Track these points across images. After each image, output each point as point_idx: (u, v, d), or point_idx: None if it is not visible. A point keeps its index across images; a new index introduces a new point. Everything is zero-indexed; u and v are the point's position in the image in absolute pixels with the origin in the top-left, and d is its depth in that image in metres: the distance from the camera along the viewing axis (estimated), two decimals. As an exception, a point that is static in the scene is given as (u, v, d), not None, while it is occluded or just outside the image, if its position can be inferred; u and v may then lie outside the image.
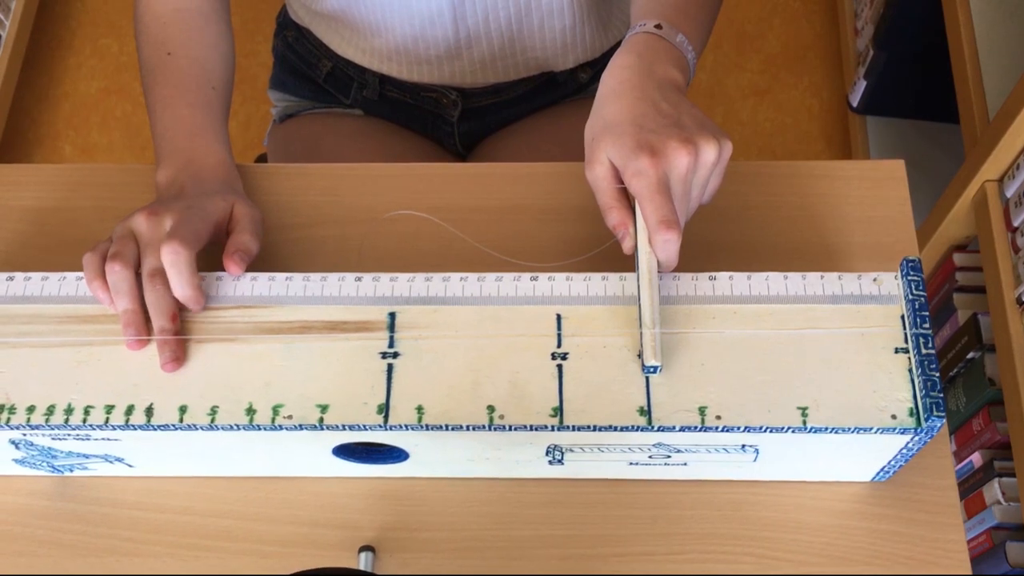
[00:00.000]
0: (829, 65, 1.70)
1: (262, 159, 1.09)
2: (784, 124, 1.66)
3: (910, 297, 0.55)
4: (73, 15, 1.81)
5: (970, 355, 1.04)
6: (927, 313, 0.54)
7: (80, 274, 0.58)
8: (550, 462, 0.58)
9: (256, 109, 1.68)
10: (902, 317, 0.55)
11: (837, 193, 0.70)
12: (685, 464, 0.58)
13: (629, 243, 0.58)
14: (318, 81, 0.94)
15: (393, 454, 0.58)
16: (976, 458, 1.03)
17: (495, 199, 0.71)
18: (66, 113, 1.72)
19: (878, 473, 0.59)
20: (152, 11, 0.74)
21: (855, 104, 1.46)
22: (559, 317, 0.56)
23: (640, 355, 0.54)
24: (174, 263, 0.56)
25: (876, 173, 0.71)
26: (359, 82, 0.92)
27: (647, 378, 0.54)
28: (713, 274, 0.57)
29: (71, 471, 0.61)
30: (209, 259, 0.61)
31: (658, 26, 0.62)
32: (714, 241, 0.68)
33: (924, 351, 0.53)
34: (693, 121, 0.58)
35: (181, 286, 0.56)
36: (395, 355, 0.55)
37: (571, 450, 0.56)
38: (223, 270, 0.59)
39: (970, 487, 1.04)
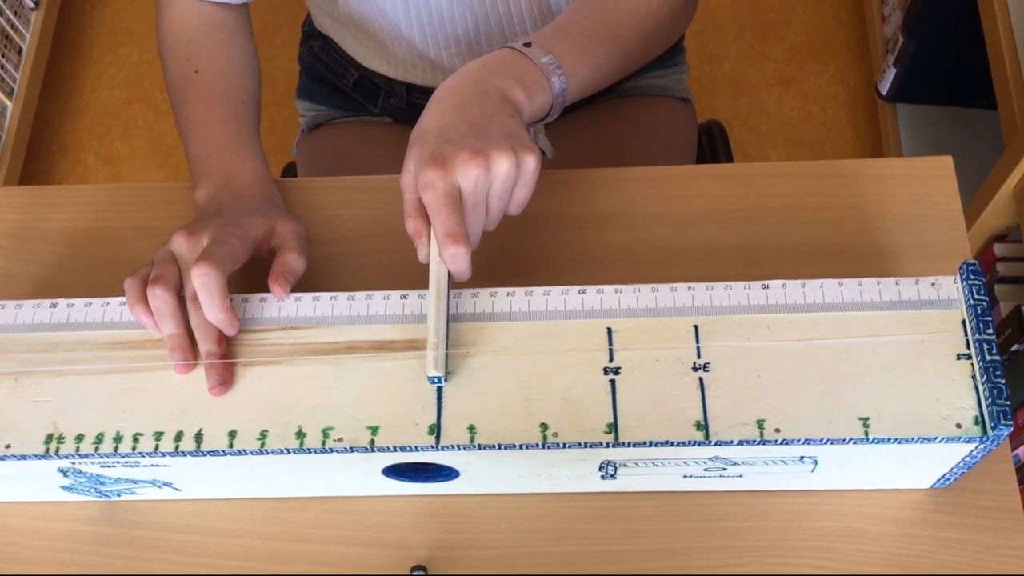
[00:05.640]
0: (855, 52, 1.68)
1: (289, 167, 1.08)
2: (811, 113, 1.63)
3: (971, 302, 0.53)
4: (92, 24, 1.81)
5: (1014, 347, 1.02)
6: (989, 318, 0.52)
7: (124, 299, 0.58)
8: (602, 477, 0.57)
9: (277, 113, 1.67)
10: (963, 322, 0.54)
11: (884, 192, 0.68)
12: (741, 476, 0.57)
13: (422, 252, 0.57)
14: (345, 90, 0.93)
15: (443, 472, 0.57)
16: (1023, 452, 1.02)
17: (531, 208, 0.70)
18: (88, 123, 1.72)
19: (938, 480, 0.58)
20: (175, 29, 0.73)
21: (884, 92, 1.44)
22: (609, 331, 0.55)
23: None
24: (204, 284, 0.55)
25: (923, 170, 0.69)
26: (386, 90, 0.91)
27: (702, 391, 0.53)
28: (766, 283, 0.56)
29: (118, 496, 0.61)
30: (253, 279, 0.60)
31: (527, 44, 0.61)
32: (761, 243, 0.67)
33: (988, 357, 0.51)
34: (499, 132, 0.55)
35: (211, 309, 0.55)
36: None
37: (624, 465, 0.55)
38: (267, 291, 0.58)
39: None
